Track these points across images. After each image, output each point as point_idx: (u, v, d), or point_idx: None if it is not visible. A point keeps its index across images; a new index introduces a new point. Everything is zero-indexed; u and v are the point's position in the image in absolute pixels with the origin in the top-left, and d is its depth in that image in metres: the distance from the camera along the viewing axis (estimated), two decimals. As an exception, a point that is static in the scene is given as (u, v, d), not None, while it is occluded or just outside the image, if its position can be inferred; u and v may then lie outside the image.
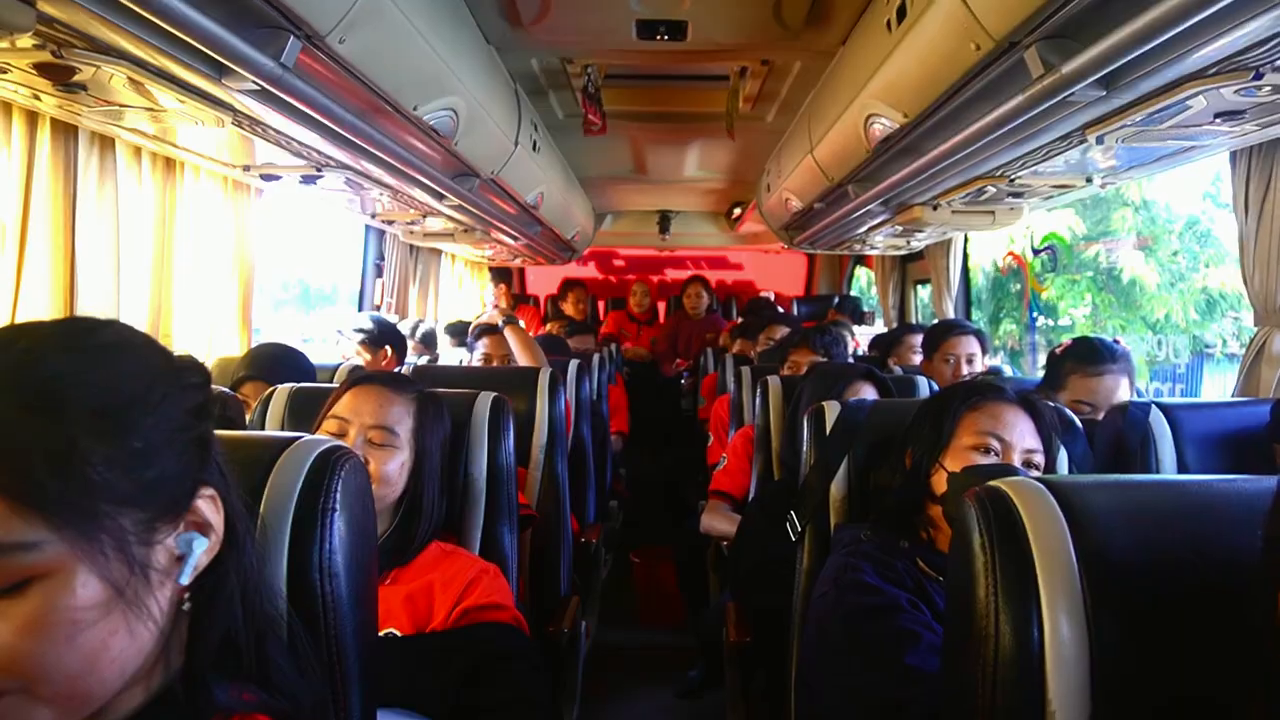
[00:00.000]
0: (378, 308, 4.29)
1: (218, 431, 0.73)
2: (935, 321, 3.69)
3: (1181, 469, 1.55)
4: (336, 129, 1.65)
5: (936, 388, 2.45)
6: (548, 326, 5.23)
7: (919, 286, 4.96)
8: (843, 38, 2.08)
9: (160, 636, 0.64)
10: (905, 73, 1.66)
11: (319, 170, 2.08)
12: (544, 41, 2.27)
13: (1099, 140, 1.55)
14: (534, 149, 2.89)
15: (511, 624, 1.35)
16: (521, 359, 2.90)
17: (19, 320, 1.81)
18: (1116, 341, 2.17)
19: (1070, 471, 1.50)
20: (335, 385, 2.26)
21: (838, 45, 2.13)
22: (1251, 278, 1.95)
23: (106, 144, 1.90)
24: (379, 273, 4.26)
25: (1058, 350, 2.17)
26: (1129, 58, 1.14)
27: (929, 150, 1.87)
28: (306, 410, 1.61)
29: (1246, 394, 2.00)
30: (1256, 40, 1.09)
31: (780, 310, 5.87)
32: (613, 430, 4.14)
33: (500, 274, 6.46)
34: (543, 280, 6.95)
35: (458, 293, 5.67)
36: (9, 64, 1.24)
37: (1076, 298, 7.26)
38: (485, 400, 1.68)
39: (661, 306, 6.83)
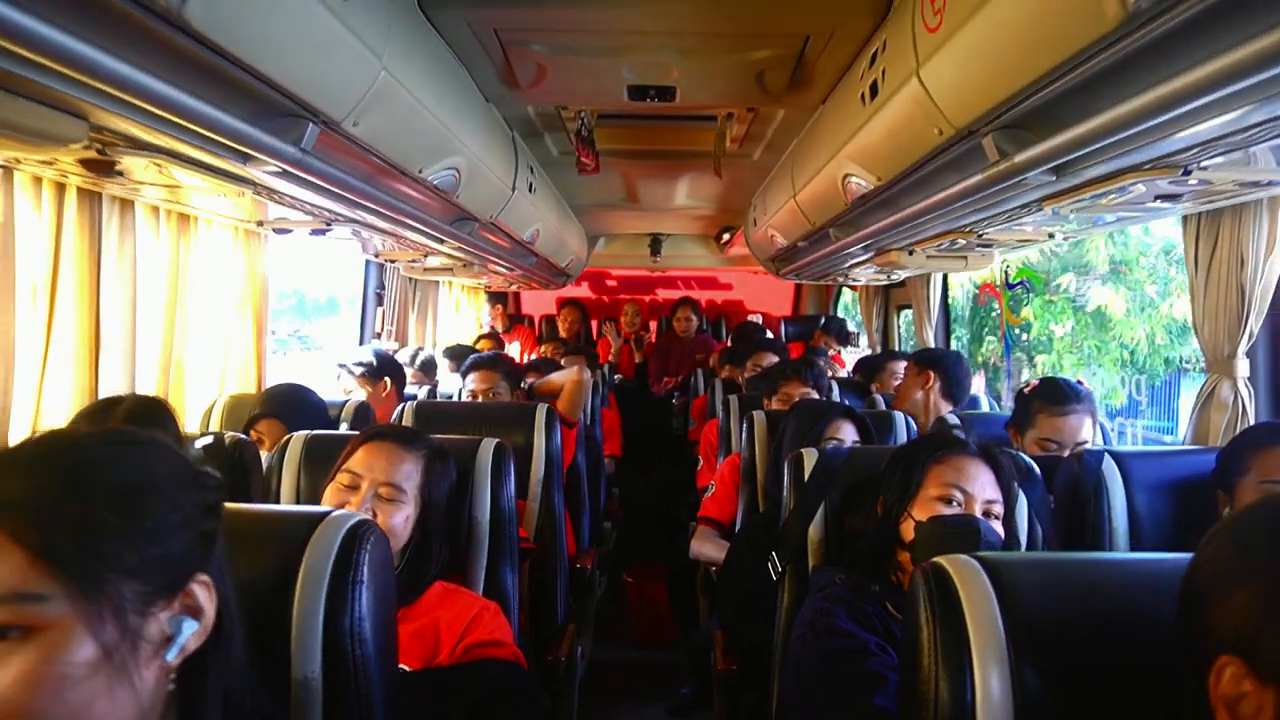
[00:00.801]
0: (378, 335, 4.39)
1: (258, 506, 0.85)
2: (916, 349, 3.81)
3: (1131, 513, 1.68)
4: (347, 195, 1.76)
5: (913, 424, 2.58)
6: (543, 348, 5.34)
7: (902, 311, 5.09)
8: (823, 96, 2.21)
9: (141, 712, 0.71)
10: (877, 142, 1.79)
11: (328, 225, 2.20)
12: (540, 99, 2.39)
13: (1055, 211, 1.69)
14: (530, 190, 3.01)
15: (512, 660, 1.46)
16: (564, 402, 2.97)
17: (50, 367, 1.93)
18: (1080, 383, 2.31)
19: (1029, 515, 1.62)
20: (345, 431, 2.40)
21: (819, 102, 2.26)
22: (1202, 328, 2.08)
23: (127, 205, 2.02)
24: (379, 300, 4.36)
25: (1026, 390, 2.29)
26: (1076, 155, 1.27)
27: (903, 207, 2.00)
28: (320, 457, 1.72)
29: (1197, 437, 2.12)
30: (1185, 146, 1.22)
31: (769, 334, 5.98)
32: (606, 453, 4.24)
33: (496, 296, 6.57)
34: (537, 300, 7.05)
35: (455, 317, 5.78)
36: (58, 158, 1.35)
37: (1054, 316, 7.43)
38: (488, 447, 1.79)
39: (653, 325, 6.95)
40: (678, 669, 3.23)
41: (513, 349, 6.22)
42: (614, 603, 3.90)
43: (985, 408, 3.36)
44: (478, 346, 5.42)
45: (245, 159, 1.40)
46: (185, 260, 2.35)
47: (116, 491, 0.71)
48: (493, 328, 6.33)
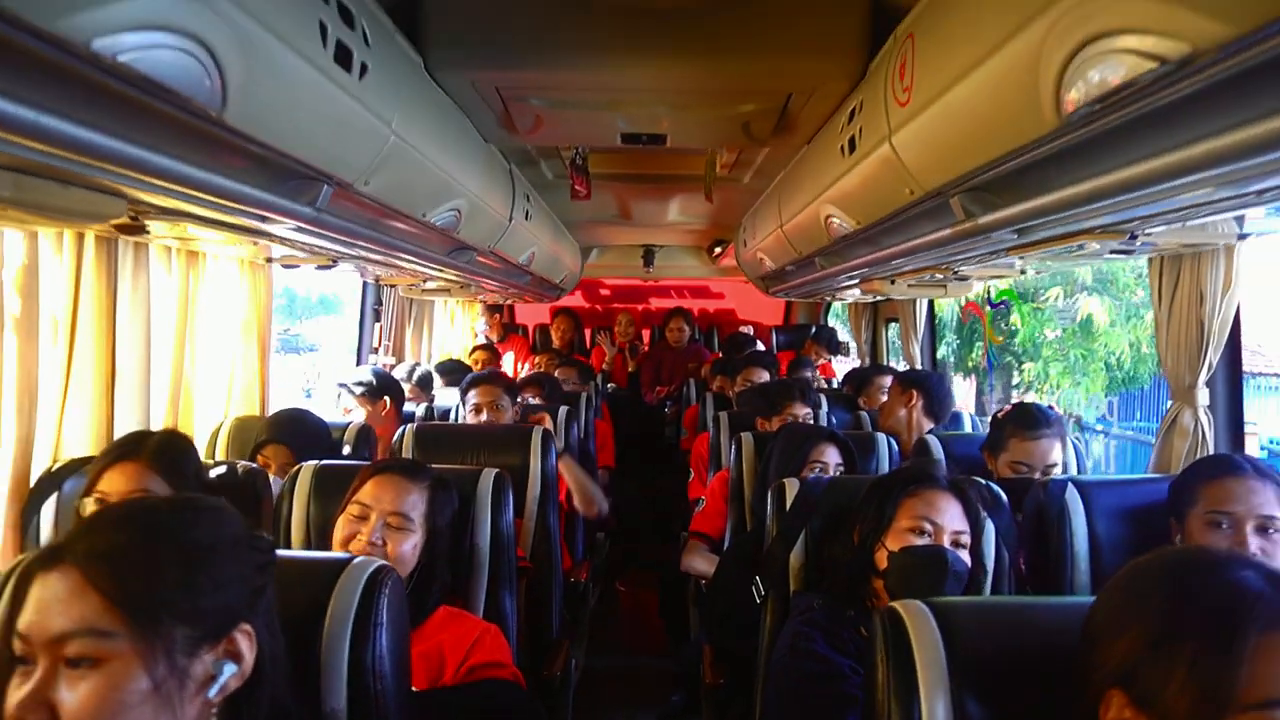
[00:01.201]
0: (375, 349, 4.49)
1: (288, 553, 0.96)
2: (905, 366, 3.92)
3: (1092, 538, 1.79)
4: (354, 241, 1.87)
5: (895, 445, 2.69)
6: (537, 359, 5.42)
7: (890, 323, 5.20)
8: (808, 139, 2.32)
9: None
10: (854, 191, 1.91)
11: (334, 262, 2.30)
12: (537, 142, 2.50)
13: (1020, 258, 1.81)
14: (526, 217, 3.12)
15: (511, 680, 1.57)
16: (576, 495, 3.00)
17: (70, 399, 2.03)
18: (1051, 408, 2.43)
19: (997, 542, 1.73)
20: (347, 453, 2.50)
21: (803, 144, 2.38)
22: (1165, 359, 2.21)
23: (141, 246, 2.12)
24: (377, 316, 4.45)
25: (1000, 415, 2.41)
26: (1034, 223, 1.39)
27: (883, 246, 2.12)
28: (328, 486, 1.83)
29: (1160, 463, 2.24)
30: (1129, 218, 1.34)
31: (759, 344, 6.08)
32: (600, 465, 4.33)
33: (492, 305, 6.66)
34: (531, 309, 7.14)
35: (451, 329, 5.88)
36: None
37: (1041, 324, 7.58)
38: (488, 477, 1.90)
39: (646, 334, 7.05)
40: (669, 676, 3.33)
41: (507, 359, 6.30)
42: (607, 610, 4.00)
43: (967, 425, 3.47)
44: (473, 357, 5.54)
45: (263, 219, 1.51)
46: (194, 293, 2.45)
47: (182, 550, 0.86)
48: (488, 337, 6.42)
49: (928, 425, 3.08)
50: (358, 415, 3.08)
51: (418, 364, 4.39)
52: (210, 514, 0.92)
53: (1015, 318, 7.33)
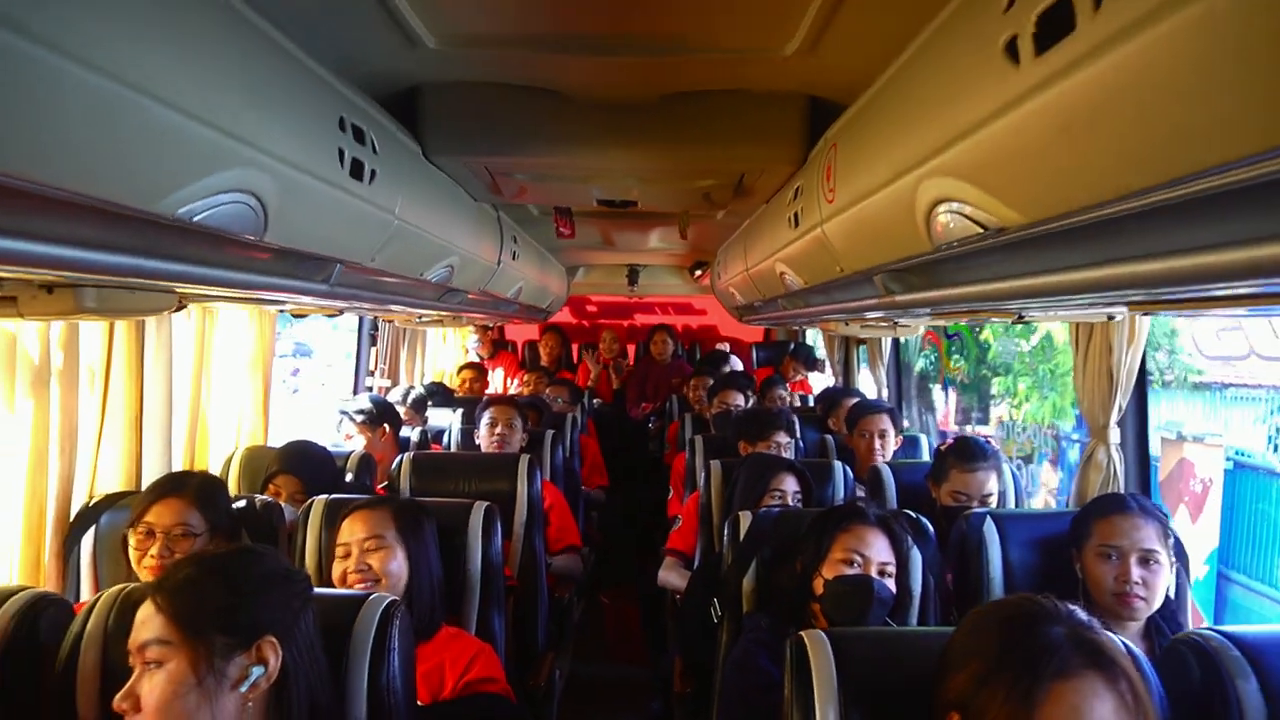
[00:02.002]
0: (372, 372, 4.72)
1: (318, 590, 1.22)
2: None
3: (1006, 566, 2.05)
4: (361, 305, 2.12)
5: (850, 475, 2.94)
6: (526, 376, 5.64)
7: (860, 344, 5.45)
8: (765, 200, 2.59)
9: None
10: (799, 257, 2.17)
11: (340, 312, 2.55)
12: (521, 201, 2.76)
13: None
14: (514, 258, 3.37)
15: (503, 694, 1.81)
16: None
17: (104, 439, 2.27)
18: (988, 441, 2.69)
19: (923, 568, 1.99)
20: (353, 488, 2.74)
21: (761, 204, 2.64)
22: (1082, 401, 2.47)
23: (169, 303, 2.37)
24: (373, 341, 4.69)
25: (942, 448, 2.67)
26: (943, 306, 1.65)
27: (832, 301, 2.38)
28: (337, 517, 2.07)
29: (1079, 494, 2.50)
30: (1011, 308, 1.61)
31: (738, 361, 6.31)
32: (594, 485, 4.57)
33: (482, 324, 6.88)
34: (521, 326, 7.35)
35: (443, 346, 6.12)
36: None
37: (1014, 340, 7.87)
38: (479, 510, 2.15)
39: (631, 349, 7.28)
40: (649, 684, 3.55)
41: (496, 375, 6.54)
42: (592, 621, 4.23)
43: (925, 449, 3.71)
44: (461, 375, 5.79)
45: (284, 299, 1.76)
46: (209, 337, 2.70)
47: (228, 581, 1.17)
48: (479, 354, 6.66)
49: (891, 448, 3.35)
50: (358, 441, 3.33)
51: (412, 387, 4.63)
52: (258, 556, 1.24)
53: (988, 333, 7.62)
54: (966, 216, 1.06)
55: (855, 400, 3.78)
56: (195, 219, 1.07)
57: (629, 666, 3.90)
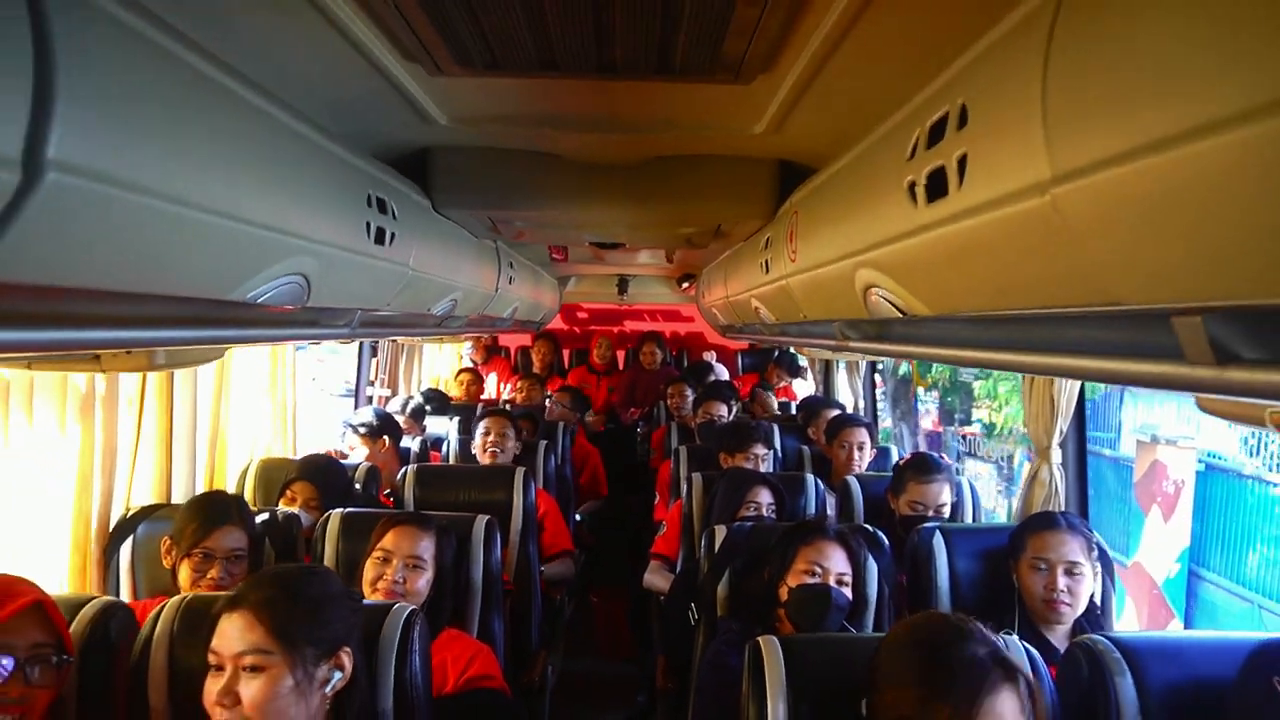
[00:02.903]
0: (372, 383, 4.95)
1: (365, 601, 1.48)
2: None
3: (952, 576, 2.29)
4: (373, 342, 2.35)
5: (821, 486, 3.19)
6: (519, 383, 5.85)
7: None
8: (743, 239, 2.83)
9: (311, 718, 1.38)
10: (770, 297, 2.42)
11: (351, 339, 2.79)
12: (519, 240, 3.00)
13: (896, 355, 2.33)
14: (510, 282, 3.60)
15: (500, 689, 2.05)
16: None
17: (139, 457, 2.50)
18: (942, 457, 2.95)
19: (879, 578, 2.23)
20: (362, 499, 2.97)
21: (740, 242, 2.89)
22: (1028, 423, 2.73)
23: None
24: (374, 352, 4.92)
25: (900, 463, 2.93)
26: (894, 357, 1.90)
27: (803, 334, 2.63)
28: (352, 529, 2.32)
29: (1025, 508, 2.74)
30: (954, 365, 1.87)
31: (724, 370, 6.55)
32: (596, 496, 4.85)
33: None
34: (514, 334, 7.56)
35: (440, 353, 6.34)
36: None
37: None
38: (481, 523, 2.39)
39: (621, 355, 7.50)
40: (636, 680, 3.79)
41: (490, 380, 6.76)
42: (582, 621, 4.47)
43: (894, 457, 3.96)
44: (459, 379, 6.02)
45: (310, 341, 1.99)
46: (228, 366, 2.94)
47: (310, 600, 1.41)
48: (473, 359, 6.89)
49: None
50: (360, 452, 3.55)
51: (410, 397, 4.86)
52: (322, 577, 1.48)
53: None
54: (889, 301, 1.31)
55: (835, 413, 4.03)
56: (259, 301, 1.30)
57: (617, 663, 4.12)
